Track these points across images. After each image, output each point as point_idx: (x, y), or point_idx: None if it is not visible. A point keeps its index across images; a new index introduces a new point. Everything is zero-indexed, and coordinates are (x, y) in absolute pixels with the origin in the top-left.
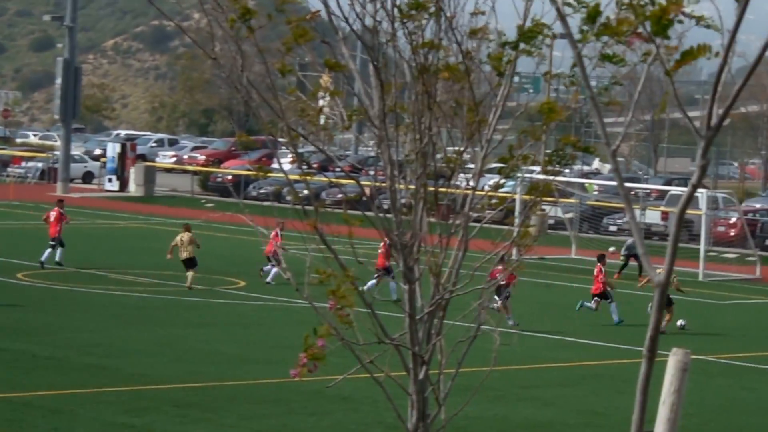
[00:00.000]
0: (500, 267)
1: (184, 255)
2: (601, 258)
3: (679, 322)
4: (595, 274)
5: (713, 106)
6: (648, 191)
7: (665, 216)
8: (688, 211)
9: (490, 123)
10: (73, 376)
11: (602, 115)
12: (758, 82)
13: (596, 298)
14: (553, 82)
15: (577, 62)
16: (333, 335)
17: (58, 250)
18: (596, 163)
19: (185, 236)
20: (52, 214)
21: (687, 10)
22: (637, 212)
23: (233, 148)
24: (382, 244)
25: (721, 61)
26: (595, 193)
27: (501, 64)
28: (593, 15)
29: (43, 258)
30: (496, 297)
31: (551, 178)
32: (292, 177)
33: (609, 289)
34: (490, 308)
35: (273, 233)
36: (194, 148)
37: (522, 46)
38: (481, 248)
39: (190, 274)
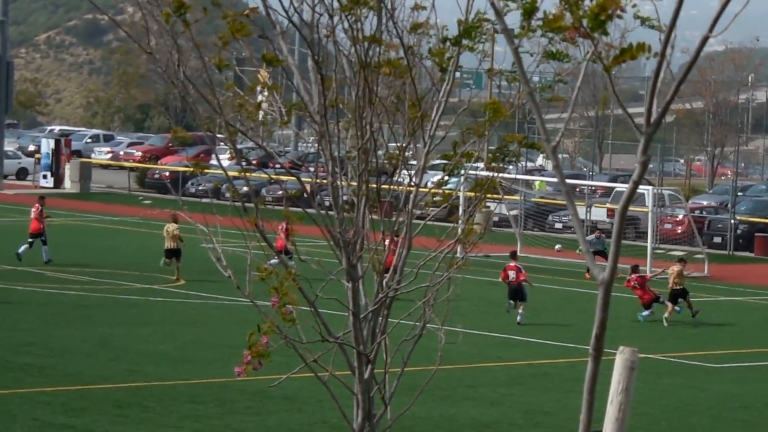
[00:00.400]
0: (513, 263)
1: (168, 245)
2: (635, 269)
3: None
4: (633, 285)
5: (652, 102)
6: (593, 188)
7: (611, 213)
8: (635, 209)
9: (432, 119)
10: (10, 376)
11: (543, 111)
12: (702, 78)
13: (649, 306)
14: (495, 78)
15: (514, 58)
16: (276, 333)
17: (43, 248)
18: (540, 160)
19: (171, 227)
20: (33, 210)
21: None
22: (583, 210)
23: (170, 144)
24: (281, 226)
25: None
26: (549, 189)
27: (444, 59)
28: (530, 10)
29: (20, 250)
30: (511, 302)
31: (495, 174)
32: (231, 173)
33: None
34: (506, 311)
35: (280, 227)
36: (130, 144)
37: (464, 41)
38: (425, 246)
39: (169, 261)
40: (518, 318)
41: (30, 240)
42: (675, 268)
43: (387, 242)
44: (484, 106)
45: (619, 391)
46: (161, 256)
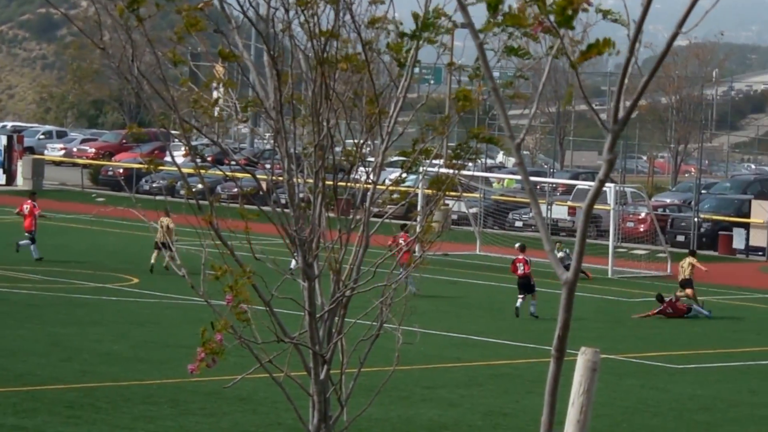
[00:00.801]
0: (521, 256)
1: (160, 238)
2: (661, 299)
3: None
4: (668, 312)
5: (620, 98)
6: (554, 186)
7: (572, 211)
8: (596, 206)
9: (390, 115)
10: None
11: (506, 107)
12: (666, 74)
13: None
14: (456, 73)
15: (479, 53)
16: (231, 333)
17: (32, 246)
18: (500, 157)
19: (165, 220)
20: (26, 207)
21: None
22: (543, 207)
23: (124, 141)
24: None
25: (627, 52)
26: (517, 186)
27: (402, 54)
28: (495, 4)
29: (21, 242)
30: (520, 296)
31: (455, 172)
32: (185, 170)
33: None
34: (515, 308)
35: None
36: (84, 141)
37: (423, 35)
38: (383, 244)
39: (159, 253)
40: (531, 309)
41: (29, 236)
42: (688, 260)
43: (402, 240)
44: (456, 93)
45: (580, 393)
46: (113, 255)
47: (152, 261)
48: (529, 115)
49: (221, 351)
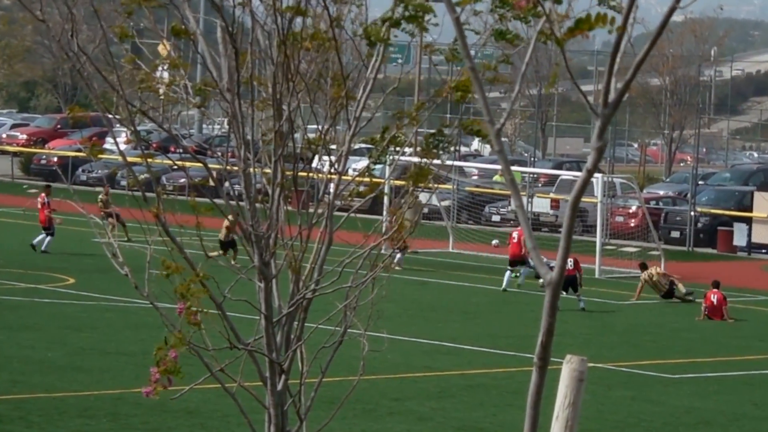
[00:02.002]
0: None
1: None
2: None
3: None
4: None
5: (611, 80)
6: (535, 176)
7: (555, 204)
8: (583, 200)
9: (358, 99)
10: None
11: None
12: (660, 52)
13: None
14: (430, 54)
15: (456, 30)
16: (185, 346)
17: (47, 239)
18: (476, 144)
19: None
20: (38, 201)
21: None
22: (523, 200)
23: (59, 126)
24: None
25: (620, 29)
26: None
27: (380, 36)
28: None
29: (35, 242)
30: (564, 292)
31: (428, 162)
32: (129, 159)
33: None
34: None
35: None
36: (14, 126)
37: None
38: (347, 241)
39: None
40: (581, 305)
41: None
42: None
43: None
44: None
45: (565, 406)
46: (50, 251)
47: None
48: (510, 98)
49: (177, 370)
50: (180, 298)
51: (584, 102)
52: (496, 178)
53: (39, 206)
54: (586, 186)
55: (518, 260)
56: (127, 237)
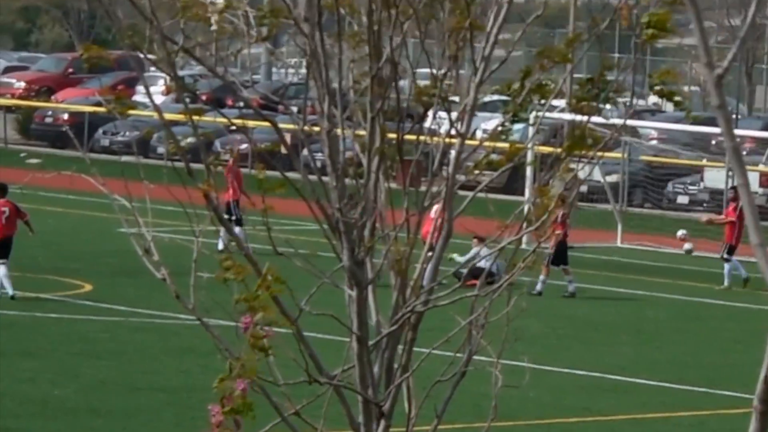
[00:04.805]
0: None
1: None
2: None
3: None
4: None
5: None
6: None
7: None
8: None
9: (488, 31)
10: None
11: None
12: None
13: None
14: None
15: None
16: (250, 375)
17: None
18: (654, 97)
19: None
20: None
21: None
22: (717, 174)
23: (71, 71)
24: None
25: None
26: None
27: None
28: None
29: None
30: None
31: (586, 119)
32: (167, 116)
33: None
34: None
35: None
36: (7, 70)
37: None
38: (473, 231)
39: None
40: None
41: None
42: None
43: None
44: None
45: None
46: (54, 248)
47: None
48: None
49: (248, 408)
50: (247, 310)
51: None
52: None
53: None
54: None
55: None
56: None
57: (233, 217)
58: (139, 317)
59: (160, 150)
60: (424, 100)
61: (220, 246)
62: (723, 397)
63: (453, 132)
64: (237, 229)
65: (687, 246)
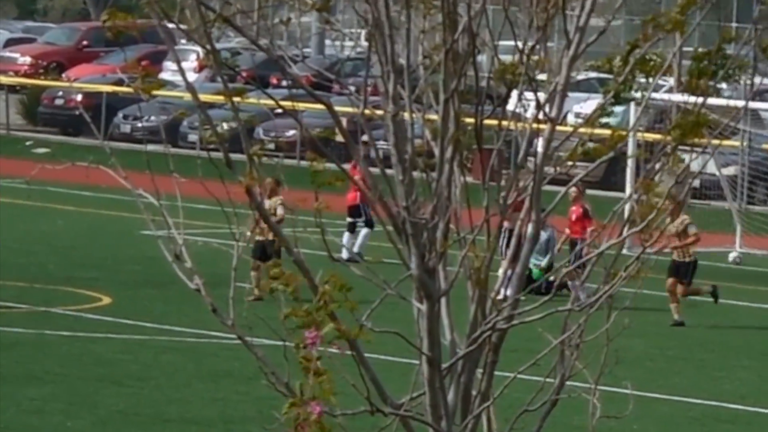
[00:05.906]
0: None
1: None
2: None
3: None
4: None
5: None
6: None
7: None
8: None
9: None
10: None
11: None
12: None
13: None
14: None
15: None
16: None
17: None
18: None
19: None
20: None
21: None
22: None
23: (85, 43)
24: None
25: None
26: None
27: None
28: None
29: None
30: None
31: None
32: (202, 97)
33: None
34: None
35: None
36: (10, 43)
37: None
38: (566, 232)
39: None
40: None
41: None
42: None
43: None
44: None
45: None
46: (66, 254)
47: (254, 288)
48: None
49: None
50: (313, 323)
51: None
52: None
53: None
54: None
55: None
56: None
57: (362, 219)
58: (167, 335)
59: (192, 137)
60: (507, 79)
61: (345, 255)
62: None
63: (541, 116)
64: (364, 231)
65: None
